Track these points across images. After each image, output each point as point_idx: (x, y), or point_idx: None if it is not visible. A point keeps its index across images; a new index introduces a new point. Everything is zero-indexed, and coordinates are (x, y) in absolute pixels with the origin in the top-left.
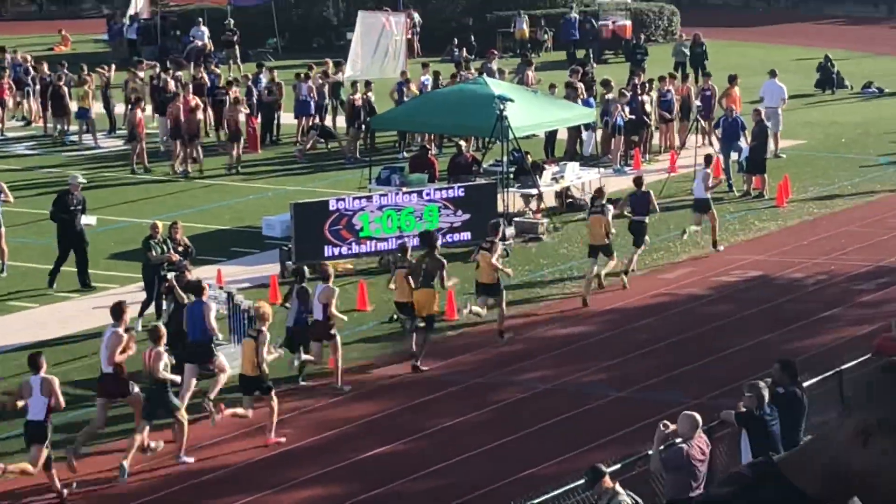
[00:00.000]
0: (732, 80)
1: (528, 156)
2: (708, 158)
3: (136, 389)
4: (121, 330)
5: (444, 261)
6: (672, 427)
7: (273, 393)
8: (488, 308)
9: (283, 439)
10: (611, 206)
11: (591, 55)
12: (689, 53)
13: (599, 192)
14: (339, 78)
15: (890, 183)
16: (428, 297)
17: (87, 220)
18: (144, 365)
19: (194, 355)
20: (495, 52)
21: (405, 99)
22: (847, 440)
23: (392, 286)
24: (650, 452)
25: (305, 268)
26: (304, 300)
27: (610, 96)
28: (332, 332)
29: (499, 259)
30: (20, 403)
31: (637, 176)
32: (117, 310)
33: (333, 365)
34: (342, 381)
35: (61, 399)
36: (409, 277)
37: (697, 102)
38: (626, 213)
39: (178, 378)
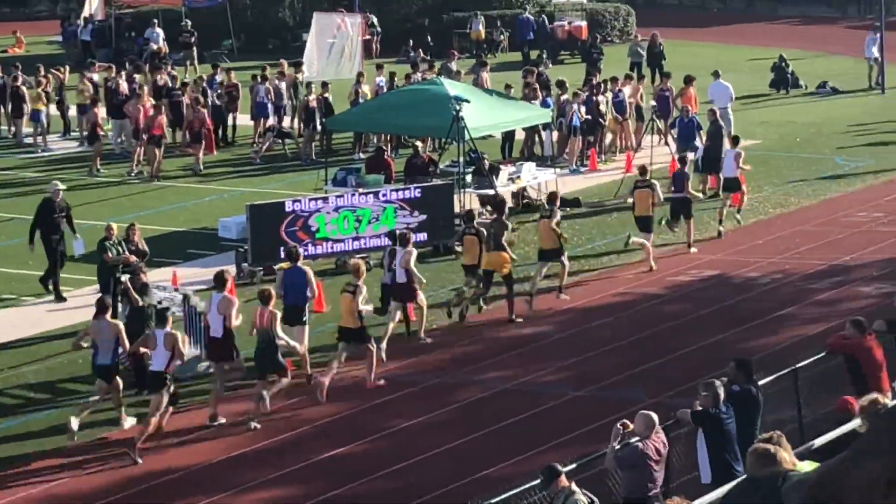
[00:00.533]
0: (688, 80)
1: (486, 158)
2: (735, 139)
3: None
4: (230, 295)
5: (509, 224)
6: (630, 426)
7: (372, 341)
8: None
9: (382, 382)
10: (656, 182)
11: (545, 56)
12: (644, 54)
13: (644, 170)
14: (299, 77)
15: (844, 182)
16: (501, 259)
17: (78, 248)
18: (255, 324)
19: (290, 318)
20: (455, 53)
21: (359, 100)
22: (870, 485)
23: (459, 248)
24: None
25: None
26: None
27: (565, 97)
28: (417, 293)
29: (558, 224)
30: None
31: (681, 155)
32: (220, 278)
33: (414, 318)
34: (425, 333)
35: (184, 350)
36: (482, 243)
37: (653, 102)
38: (669, 191)
39: (291, 342)
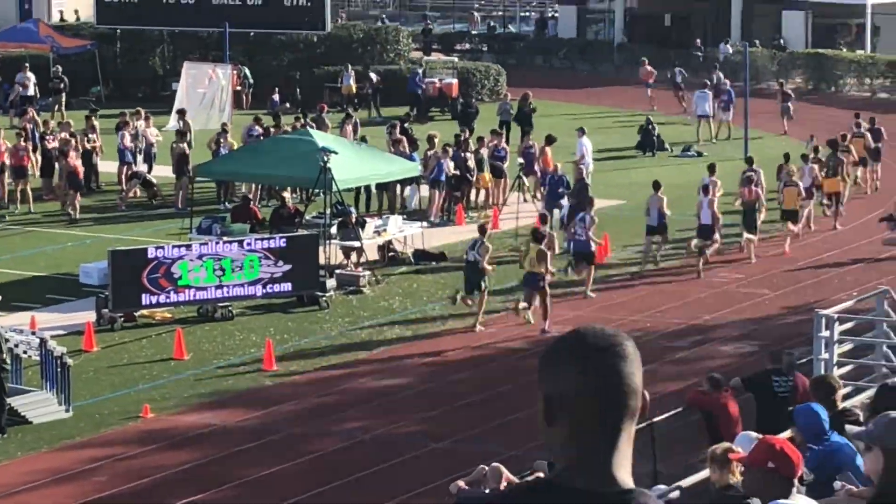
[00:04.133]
0: (548, 141)
1: (353, 210)
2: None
3: None
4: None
5: (844, 159)
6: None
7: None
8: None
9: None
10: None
11: (375, 108)
12: (514, 112)
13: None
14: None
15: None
16: (837, 183)
17: None
18: (744, 197)
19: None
20: (325, 106)
21: (222, 150)
22: None
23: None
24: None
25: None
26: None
27: (431, 152)
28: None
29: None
30: None
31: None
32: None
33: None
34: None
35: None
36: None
37: (520, 160)
38: None
39: None
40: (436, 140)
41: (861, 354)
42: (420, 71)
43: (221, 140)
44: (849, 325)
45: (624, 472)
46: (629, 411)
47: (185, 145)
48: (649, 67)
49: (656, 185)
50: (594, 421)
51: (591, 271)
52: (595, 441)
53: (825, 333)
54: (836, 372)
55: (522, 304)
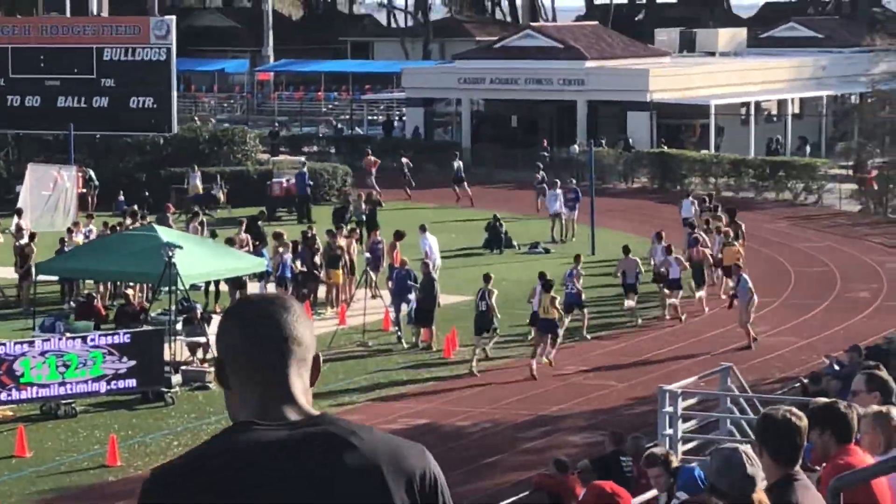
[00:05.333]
0: (397, 236)
1: (199, 305)
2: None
3: None
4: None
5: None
6: None
7: None
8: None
9: None
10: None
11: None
12: (364, 210)
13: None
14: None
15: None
16: (735, 251)
17: None
18: (693, 258)
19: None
20: (171, 207)
21: (66, 249)
22: None
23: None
24: None
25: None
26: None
27: (281, 249)
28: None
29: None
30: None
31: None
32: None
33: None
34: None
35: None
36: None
37: (367, 255)
38: None
39: None
40: (283, 238)
41: (707, 431)
42: (306, 171)
43: (66, 239)
44: (692, 400)
45: (308, 405)
46: (294, 356)
47: (33, 245)
48: (372, 158)
49: (626, 250)
50: (264, 366)
51: (585, 314)
52: (270, 387)
53: (669, 409)
54: (681, 448)
55: (541, 352)
